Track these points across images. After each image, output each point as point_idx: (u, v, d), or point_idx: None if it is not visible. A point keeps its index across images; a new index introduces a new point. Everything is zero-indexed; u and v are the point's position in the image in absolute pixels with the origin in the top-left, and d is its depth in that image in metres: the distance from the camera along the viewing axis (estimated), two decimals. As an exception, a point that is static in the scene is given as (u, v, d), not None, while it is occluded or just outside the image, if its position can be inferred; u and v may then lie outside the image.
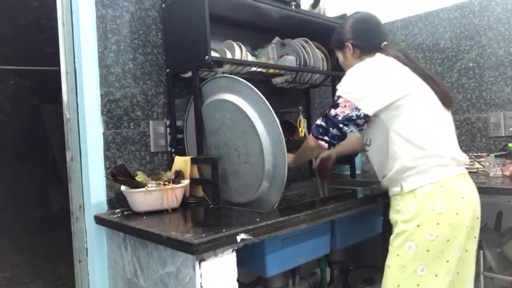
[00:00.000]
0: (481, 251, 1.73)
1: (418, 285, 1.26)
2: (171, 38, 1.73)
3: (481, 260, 1.73)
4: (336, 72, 2.06)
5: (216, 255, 1.07)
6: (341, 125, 1.35)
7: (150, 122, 1.72)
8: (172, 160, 1.66)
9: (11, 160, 4.22)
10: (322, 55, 2.09)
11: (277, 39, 2.14)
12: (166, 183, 1.43)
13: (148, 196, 1.39)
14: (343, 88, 1.36)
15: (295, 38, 2.11)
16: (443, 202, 1.26)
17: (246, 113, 1.47)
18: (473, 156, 2.11)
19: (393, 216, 1.37)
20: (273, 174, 1.47)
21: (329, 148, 1.43)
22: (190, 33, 1.58)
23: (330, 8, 2.17)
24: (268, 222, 1.19)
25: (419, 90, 1.34)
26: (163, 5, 1.74)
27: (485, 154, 2.16)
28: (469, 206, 1.31)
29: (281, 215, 1.28)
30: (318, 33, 2.12)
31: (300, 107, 1.98)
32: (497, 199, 1.62)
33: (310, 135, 1.43)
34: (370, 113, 1.32)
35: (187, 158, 1.58)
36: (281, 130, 1.41)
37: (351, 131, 1.39)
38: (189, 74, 1.72)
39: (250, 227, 1.13)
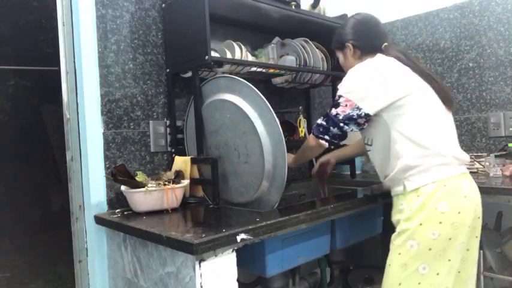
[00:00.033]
0: (481, 251, 1.72)
1: (419, 283, 1.27)
2: (171, 38, 1.73)
3: (481, 260, 1.73)
4: (336, 72, 2.06)
5: (216, 255, 1.07)
6: (342, 124, 1.35)
7: (150, 122, 1.72)
8: (172, 160, 1.66)
9: (11, 160, 4.22)
10: (322, 55, 2.09)
11: (277, 39, 2.14)
12: (166, 183, 1.43)
13: (148, 196, 1.39)
14: (344, 87, 1.37)
15: (295, 38, 2.11)
16: (446, 201, 1.26)
17: (246, 113, 1.47)
18: (473, 156, 2.11)
19: (396, 216, 1.37)
20: (273, 174, 1.47)
21: (329, 147, 1.43)
22: (190, 33, 1.58)
23: (330, 8, 2.17)
24: (268, 222, 1.19)
25: (421, 90, 1.34)
26: (163, 5, 1.74)
27: (485, 154, 2.16)
28: (470, 205, 1.31)
29: (281, 215, 1.28)
30: (318, 33, 2.12)
31: (300, 107, 1.99)
32: (497, 199, 1.62)
33: (311, 134, 1.44)
34: (371, 112, 1.33)
35: (187, 158, 1.58)
36: (281, 130, 1.41)
37: (351, 130, 1.39)
38: (189, 74, 1.72)
39: (250, 227, 1.13)
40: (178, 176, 1.52)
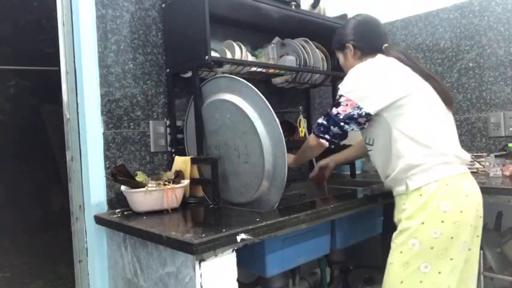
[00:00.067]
0: (481, 251, 1.72)
1: (421, 281, 1.27)
2: (171, 38, 1.73)
3: (481, 260, 1.73)
4: (336, 72, 2.07)
5: (216, 255, 1.07)
6: (342, 124, 1.36)
7: (150, 122, 1.72)
8: (172, 160, 1.66)
9: (11, 160, 4.22)
10: (322, 55, 2.09)
11: (277, 39, 2.14)
12: (166, 183, 1.43)
13: (148, 196, 1.39)
14: (345, 87, 1.37)
15: (295, 38, 2.11)
16: (448, 200, 1.27)
17: (246, 113, 1.47)
18: (473, 156, 2.11)
19: (398, 216, 1.37)
20: (273, 174, 1.47)
21: (330, 147, 1.43)
22: (190, 33, 1.58)
23: (330, 8, 2.17)
24: (268, 222, 1.19)
25: (421, 90, 1.35)
26: (163, 5, 1.74)
27: (485, 154, 2.16)
28: (472, 204, 1.32)
29: (281, 215, 1.28)
30: (318, 33, 2.12)
31: (300, 107, 1.99)
32: (497, 199, 1.62)
33: (311, 134, 1.44)
34: (371, 111, 1.33)
35: (187, 158, 1.58)
36: (281, 130, 1.41)
37: (351, 130, 1.40)
38: (189, 74, 1.72)
39: (250, 227, 1.13)
40: (178, 176, 1.52)
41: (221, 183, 1.54)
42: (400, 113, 1.32)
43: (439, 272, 1.27)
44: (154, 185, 1.41)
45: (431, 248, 1.26)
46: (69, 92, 1.59)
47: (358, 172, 2.34)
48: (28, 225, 4.34)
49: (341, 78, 1.41)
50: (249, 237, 1.12)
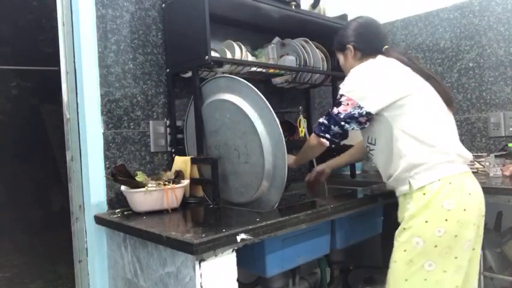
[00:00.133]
0: (481, 251, 1.73)
1: (425, 279, 1.27)
2: (171, 38, 1.73)
3: (481, 260, 1.73)
4: (336, 72, 2.07)
5: (216, 255, 1.07)
6: (343, 123, 1.36)
7: (150, 122, 1.72)
8: (172, 160, 1.66)
9: (11, 160, 4.22)
10: (322, 55, 2.09)
11: (277, 39, 2.14)
12: (166, 183, 1.43)
13: (148, 196, 1.39)
14: (346, 86, 1.38)
15: (295, 38, 2.11)
16: (452, 198, 1.27)
17: (246, 113, 1.47)
18: (473, 156, 2.11)
19: (402, 215, 1.36)
20: (273, 174, 1.47)
21: (330, 146, 1.43)
22: (190, 33, 1.58)
23: (330, 8, 2.17)
24: (268, 222, 1.19)
25: (422, 90, 1.35)
26: (163, 5, 1.74)
27: (485, 154, 2.16)
28: (475, 203, 1.32)
29: (281, 215, 1.28)
30: (318, 33, 2.12)
31: (300, 107, 1.98)
32: (497, 199, 1.63)
33: (312, 133, 1.45)
34: (372, 110, 1.33)
35: (187, 158, 1.58)
36: (281, 130, 1.41)
37: (352, 129, 1.40)
38: (189, 74, 1.72)
39: (250, 227, 1.13)
40: (178, 176, 1.52)
41: (221, 183, 1.54)
42: (401, 112, 1.32)
43: (444, 271, 1.27)
44: (154, 185, 1.41)
45: (435, 246, 1.26)
46: (69, 92, 1.59)
47: (358, 172, 2.34)
48: (28, 225, 4.33)
49: (341, 78, 1.42)
50: (249, 237, 1.12)
